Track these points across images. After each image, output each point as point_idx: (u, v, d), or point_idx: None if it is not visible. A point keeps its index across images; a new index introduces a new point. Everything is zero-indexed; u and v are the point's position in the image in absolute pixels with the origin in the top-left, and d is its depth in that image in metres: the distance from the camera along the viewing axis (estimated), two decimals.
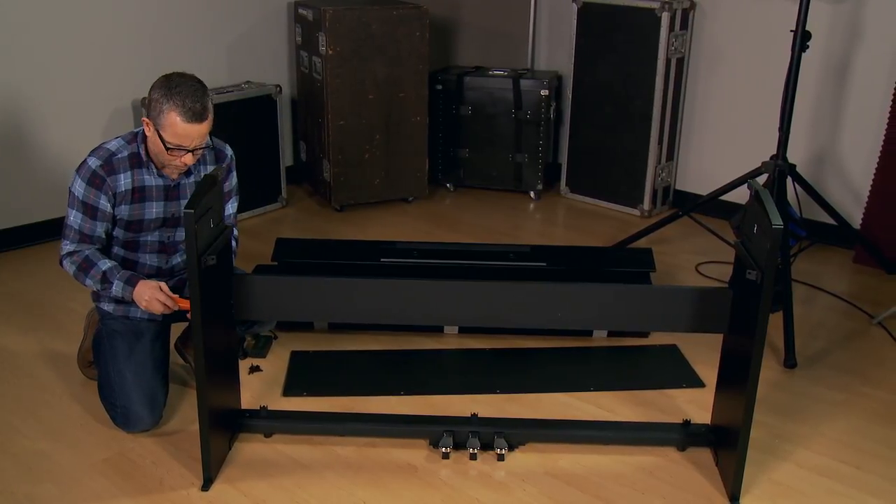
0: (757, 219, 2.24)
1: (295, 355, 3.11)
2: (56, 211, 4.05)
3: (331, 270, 3.23)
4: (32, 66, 3.84)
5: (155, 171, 2.58)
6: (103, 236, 2.58)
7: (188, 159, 2.49)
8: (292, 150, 4.95)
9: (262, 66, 4.65)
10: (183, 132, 2.41)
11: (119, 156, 2.54)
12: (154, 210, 2.61)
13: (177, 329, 2.92)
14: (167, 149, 2.45)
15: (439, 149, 4.91)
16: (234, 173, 2.76)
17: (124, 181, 2.54)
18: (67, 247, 2.56)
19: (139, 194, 2.57)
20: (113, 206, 2.55)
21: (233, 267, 2.55)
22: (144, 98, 4.06)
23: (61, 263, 2.59)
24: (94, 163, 2.53)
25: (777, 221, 2.09)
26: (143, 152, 2.55)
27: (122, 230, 2.61)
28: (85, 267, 2.53)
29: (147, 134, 2.51)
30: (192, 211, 2.09)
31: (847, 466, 2.54)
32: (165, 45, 4.23)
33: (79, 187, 2.52)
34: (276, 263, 3.30)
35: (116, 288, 2.52)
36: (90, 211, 2.53)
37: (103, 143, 2.59)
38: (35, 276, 3.70)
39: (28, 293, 3.55)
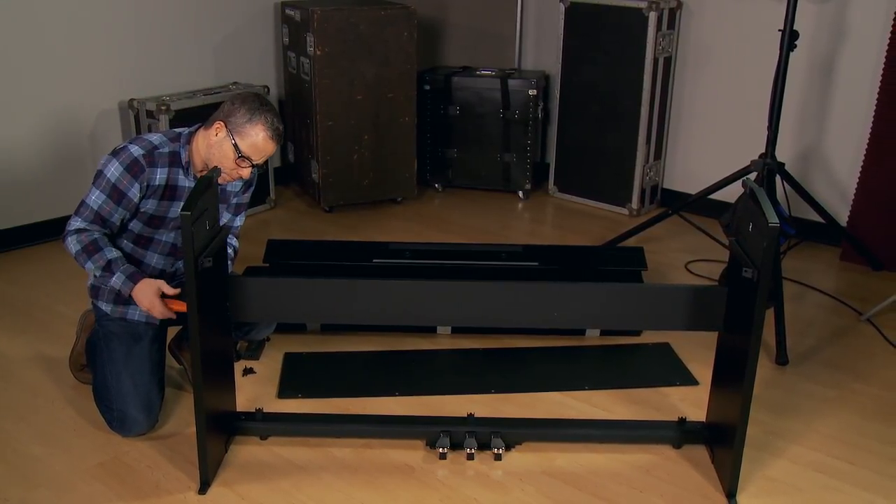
0: (752, 217, 2.26)
1: (288, 357, 3.10)
2: (43, 214, 4.02)
3: (323, 272, 3.22)
4: (18, 66, 3.80)
5: (192, 174, 2.58)
6: (117, 224, 2.55)
7: (246, 173, 2.54)
8: (280, 150, 4.93)
9: (249, 67, 4.63)
10: (262, 147, 2.50)
11: (161, 150, 2.53)
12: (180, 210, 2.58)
13: (171, 331, 2.90)
14: (239, 156, 2.49)
15: (428, 149, 4.91)
16: (252, 189, 2.80)
17: (160, 176, 2.53)
18: (77, 223, 2.52)
19: (170, 193, 2.57)
20: (141, 199, 2.53)
21: (228, 269, 2.54)
22: (132, 100, 4.06)
23: (65, 239, 2.53)
24: (136, 151, 2.50)
25: (773, 219, 2.11)
26: (184, 154, 2.56)
27: (140, 224, 2.59)
28: (90, 250, 2.49)
29: (213, 138, 2.51)
30: (189, 213, 2.08)
31: (841, 462, 2.56)
32: (152, 47, 4.21)
33: (114, 171, 2.48)
34: (266, 265, 3.29)
35: (117, 280, 2.49)
36: (116, 196, 2.50)
37: (143, 135, 2.58)
38: (25, 280, 3.67)
39: (18, 296, 3.52)
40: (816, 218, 3.84)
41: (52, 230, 4.05)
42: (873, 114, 3.86)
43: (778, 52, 3.39)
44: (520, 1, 5.01)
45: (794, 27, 3.37)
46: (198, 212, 2.13)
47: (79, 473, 2.44)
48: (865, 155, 3.91)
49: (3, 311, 3.40)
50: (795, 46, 3.39)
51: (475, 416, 2.62)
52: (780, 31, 3.38)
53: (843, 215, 4.06)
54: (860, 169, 3.94)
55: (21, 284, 3.63)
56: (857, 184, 3.97)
